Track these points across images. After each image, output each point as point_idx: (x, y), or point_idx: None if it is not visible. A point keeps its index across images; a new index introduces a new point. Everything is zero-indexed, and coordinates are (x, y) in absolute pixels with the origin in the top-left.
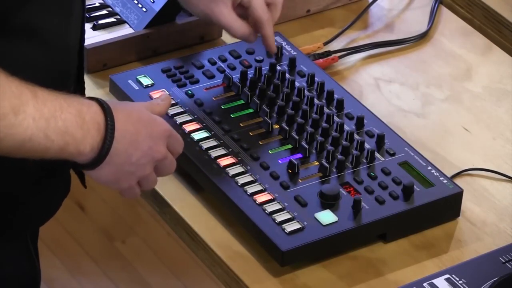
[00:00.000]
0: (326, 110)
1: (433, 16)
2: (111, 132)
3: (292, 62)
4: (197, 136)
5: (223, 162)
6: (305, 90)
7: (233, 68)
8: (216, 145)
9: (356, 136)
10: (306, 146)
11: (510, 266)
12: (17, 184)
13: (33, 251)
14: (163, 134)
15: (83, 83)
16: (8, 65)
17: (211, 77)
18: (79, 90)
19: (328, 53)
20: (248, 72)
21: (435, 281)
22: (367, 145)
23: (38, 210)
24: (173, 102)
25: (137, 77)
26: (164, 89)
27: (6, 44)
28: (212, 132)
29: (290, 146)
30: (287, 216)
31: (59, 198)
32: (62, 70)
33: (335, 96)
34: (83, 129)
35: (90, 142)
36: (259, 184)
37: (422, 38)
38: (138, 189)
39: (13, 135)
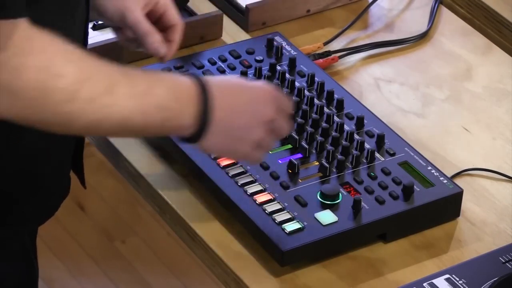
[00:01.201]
0: (326, 110)
1: (433, 16)
2: (209, 101)
3: (292, 62)
4: None
5: (223, 162)
6: (305, 90)
7: (233, 68)
8: None
9: (356, 136)
10: (306, 146)
11: (510, 266)
12: (15, 183)
13: (31, 250)
14: (266, 96)
15: None
16: None
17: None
18: None
19: (328, 53)
20: (248, 72)
21: (435, 281)
22: (367, 145)
23: (36, 210)
24: None
25: None
26: None
27: None
28: None
29: (290, 146)
30: (287, 216)
31: (58, 198)
32: None
33: (335, 96)
34: (180, 102)
35: (188, 115)
36: (259, 184)
37: (422, 38)
38: (259, 153)
39: (111, 114)
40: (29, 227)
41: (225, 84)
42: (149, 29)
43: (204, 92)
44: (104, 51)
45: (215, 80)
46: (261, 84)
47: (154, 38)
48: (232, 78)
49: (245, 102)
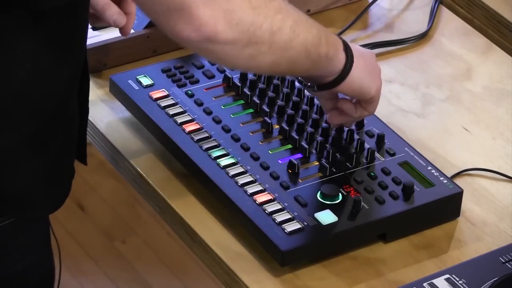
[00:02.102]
0: None
1: (433, 16)
2: (346, 42)
3: None
4: (197, 136)
5: (223, 162)
6: (305, 90)
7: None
8: (216, 145)
9: (356, 136)
10: (306, 146)
11: (510, 266)
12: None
13: (46, 241)
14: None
15: (88, 82)
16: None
17: (211, 77)
18: (84, 89)
19: None
20: (248, 72)
21: (435, 281)
22: (367, 145)
23: (48, 195)
24: (173, 102)
25: (137, 77)
26: (164, 89)
27: None
28: (212, 132)
29: (290, 146)
30: (287, 216)
31: (68, 181)
32: (73, 70)
33: None
34: (324, 29)
35: (336, 39)
36: (259, 184)
37: (422, 38)
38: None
39: (300, 23)
40: (43, 213)
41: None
42: (107, 2)
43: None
44: (104, 51)
45: None
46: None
47: (112, 11)
48: None
49: (359, 47)
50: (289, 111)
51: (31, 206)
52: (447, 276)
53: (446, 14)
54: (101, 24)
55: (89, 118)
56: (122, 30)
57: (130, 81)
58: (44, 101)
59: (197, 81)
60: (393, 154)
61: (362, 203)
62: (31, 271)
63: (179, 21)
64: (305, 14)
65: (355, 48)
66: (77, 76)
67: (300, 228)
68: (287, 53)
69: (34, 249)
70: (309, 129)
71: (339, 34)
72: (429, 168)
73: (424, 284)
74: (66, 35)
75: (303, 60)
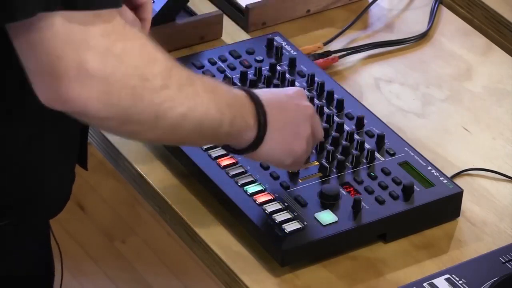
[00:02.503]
0: (326, 110)
1: (433, 16)
2: (259, 101)
3: (292, 62)
4: None
5: (223, 162)
6: (305, 90)
7: (233, 68)
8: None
9: (356, 136)
10: None
11: (510, 266)
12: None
13: (46, 244)
14: (299, 93)
15: None
16: None
17: (211, 77)
18: None
19: (328, 53)
20: (248, 72)
21: (435, 281)
22: (367, 145)
23: (50, 198)
24: None
25: None
26: None
27: None
28: None
29: None
30: (287, 216)
31: (68, 185)
32: None
33: (335, 96)
34: (239, 101)
35: (251, 113)
36: (259, 184)
37: (422, 38)
38: (309, 152)
39: (195, 107)
40: (45, 217)
41: (263, 91)
42: (122, 8)
43: (251, 94)
44: None
45: (252, 89)
46: (289, 87)
47: (126, 16)
48: (262, 89)
49: (285, 99)
50: None
51: (31, 210)
52: (447, 276)
53: (446, 14)
54: None
55: None
56: None
57: None
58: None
59: None
60: (393, 154)
61: (362, 203)
62: (31, 273)
63: (46, 88)
64: (217, 92)
65: (280, 110)
66: None
67: (300, 228)
68: (174, 134)
69: (34, 251)
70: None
71: (339, 34)
72: (429, 168)
73: (424, 284)
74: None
75: (196, 138)
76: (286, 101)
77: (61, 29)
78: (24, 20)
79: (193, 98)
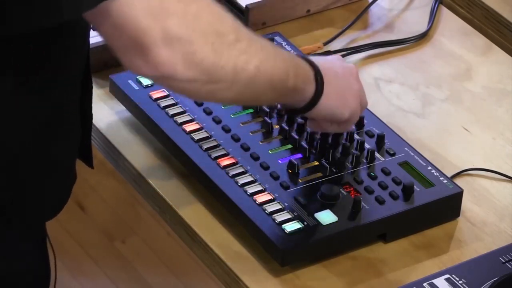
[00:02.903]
0: None
1: (433, 16)
2: (308, 58)
3: None
4: (196, 136)
5: (223, 162)
6: None
7: None
8: (216, 145)
9: (356, 136)
10: (306, 146)
11: (510, 266)
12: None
13: (43, 248)
14: (338, 57)
15: (91, 90)
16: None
17: None
18: (87, 89)
19: (328, 53)
20: None
21: (435, 281)
22: (367, 145)
23: (49, 199)
24: (173, 102)
25: (137, 77)
26: (164, 89)
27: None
28: (212, 132)
29: (290, 146)
30: (287, 216)
31: (69, 186)
32: (67, 88)
33: None
34: (294, 57)
35: (307, 67)
36: (259, 184)
37: (422, 38)
38: (359, 112)
39: (266, 61)
40: (41, 218)
41: (318, 57)
42: None
43: (307, 60)
44: (104, 51)
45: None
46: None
47: None
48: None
49: (331, 60)
50: None
51: (29, 211)
52: (447, 276)
53: (446, 14)
54: None
55: None
56: None
57: (130, 81)
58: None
59: None
60: (393, 154)
61: (362, 203)
62: (26, 274)
63: (137, 59)
64: (275, 48)
65: (331, 69)
66: (75, 89)
67: (300, 228)
68: (250, 89)
69: (29, 252)
70: (309, 129)
71: (339, 34)
72: (429, 168)
73: (424, 284)
74: (52, 57)
75: (269, 94)
76: (331, 60)
77: (141, 5)
78: (104, 7)
79: (262, 50)
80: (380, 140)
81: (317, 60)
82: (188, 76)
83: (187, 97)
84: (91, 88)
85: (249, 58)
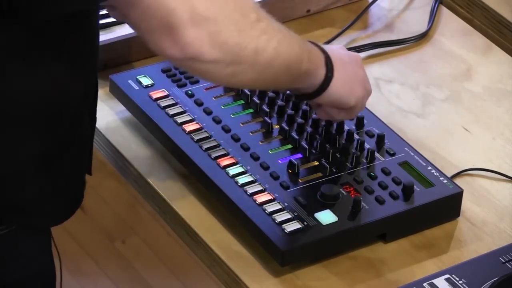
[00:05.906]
0: None
1: (433, 16)
2: (318, 44)
3: None
4: (196, 136)
5: (223, 162)
6: None
7: None
8: (216, 145)
9: (356, 136)
10: (306, 146)
11: (510, 266)
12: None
13: (48, 250)
14: (342, 47)
15: (97, 92)
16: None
17: None
18: (94, 100)
19: None
20: None
21: (435, 281)
22: (367, 145)
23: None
24: (173, 102)
25: (137, 77)
26: (164, 89)
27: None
28: (212, 132)
29: (290, 146)
30: (287, 216)
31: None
32: (89, 82)
33: None
34: (305, 41)
35: (318, 51)
36: (259, 184)
37: (422, 38)
38: (365, 100)
39: (283, 43)
40: (49, 224)
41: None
42: None
43: (318, 45)
44: (104, 51)
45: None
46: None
47: None
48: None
49: (337, 49)
50: (289, 111)
51: (37, 217)
52: (447, 276)
53: (446, 14)
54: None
55: None
56: None
57: (130, 81)
58: (60, 114)
59: (197, 81)
60: (393, 154)
61: (362, 203)
62: (32, 280)
63: (165, 40)
64: (289, 31)
65: (338, 56)
66: (92, 87)
67: (300, 228)
68: (268, 71)
69: (35, 258)
70: (309, 129)
71: (339, 34)
72: (429, 168)
73: (424, 284)
74: (80, 45)
75: (284, 77)
76: (336, 49)
77: None
78: None
79: (279, 32)
80: (380, 140)
81: (325, 47)
82: (213, 57)
83: (207, 80)
84: (97, 91)
85: (269, 38)
